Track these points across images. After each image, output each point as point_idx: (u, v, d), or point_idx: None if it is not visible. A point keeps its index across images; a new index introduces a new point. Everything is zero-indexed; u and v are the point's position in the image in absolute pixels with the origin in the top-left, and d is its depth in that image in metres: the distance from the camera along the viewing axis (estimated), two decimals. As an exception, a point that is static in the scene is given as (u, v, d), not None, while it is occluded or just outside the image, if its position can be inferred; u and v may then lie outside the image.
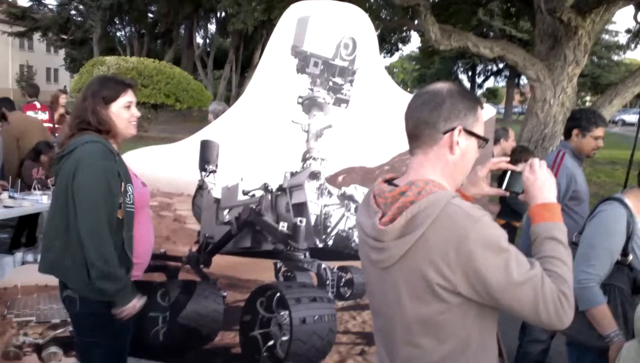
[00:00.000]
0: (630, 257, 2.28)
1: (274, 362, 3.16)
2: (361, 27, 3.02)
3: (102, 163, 2.17)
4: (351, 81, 3.03)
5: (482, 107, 1.44)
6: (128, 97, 2.34)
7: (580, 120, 3.32)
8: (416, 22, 10.46)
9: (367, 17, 3.04)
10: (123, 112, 2.32)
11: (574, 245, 2.47)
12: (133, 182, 2.35)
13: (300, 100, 3.05)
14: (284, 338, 3.13)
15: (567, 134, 3.42)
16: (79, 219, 2.14)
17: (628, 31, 21.09)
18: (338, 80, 3.03)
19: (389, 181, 1.46)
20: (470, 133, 1.40)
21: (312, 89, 3.04)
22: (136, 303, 2.31)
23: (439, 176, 1.39)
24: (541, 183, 1.46)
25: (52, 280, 3.18)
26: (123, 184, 2.23)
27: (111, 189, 2.18)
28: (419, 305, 1.34)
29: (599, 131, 3.30)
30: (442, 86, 1.41)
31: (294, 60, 3.04)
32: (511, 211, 4.55)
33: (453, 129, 1.37)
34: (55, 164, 2.28)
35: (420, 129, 1.39)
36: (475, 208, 1.30)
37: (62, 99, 7.54)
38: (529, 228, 1.48)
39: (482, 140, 1.43)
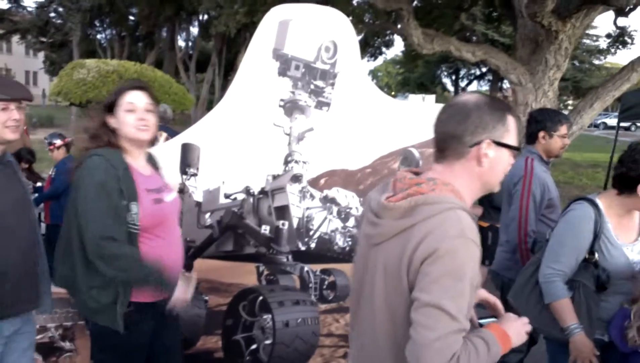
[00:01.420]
0: (597, 256, 2.35)
1: (257, 366, 3.15)
2: (342, 30, 3.03)
3: (98, 179, 2.08)
4: (332, 84, 3.03)
5: (513, 116, 1.43)
6: (129, 98, 2.21)
7: (544, 121, 3.22)
8: (399, 26, 10.52)
9: (348, 21, 3.06)
10: (125, 116, 2.20)
11: (547, 242, 2.53)
12: (142, 199, 2.19)
13: (281, 103, 3.05)
14: (267, 341, 3.12)
15: (532, 139, 3.27)
16: (82, 235, 2.08)
17: (608, 36, 21.43)
18: (319, 83, 3.03)
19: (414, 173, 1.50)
20: (500, 144, 1.39)
21: (293, 92, 3.04)
22: (182, 287, 2.23)
23: (462, 187, 1.39)
24: (516, 330, 1.46)
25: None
26: (125, 202, 2.12)
27: (110, 204, 2.08)
28: (391, 292, 1.37)
29: (564, 129, 3.23)
30: (468, 98, 1.41)
31: (275, 63, 3.03)
32: (493, 210, 4.58)
33: (480, 143, 1.37)
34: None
35: (447, 143, 1.40)
36: (473, 230, 1.31)
37: None
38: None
39: (515, 149, 1.43)
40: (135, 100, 2.21)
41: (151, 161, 2.45)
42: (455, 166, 1.40)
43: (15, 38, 36.29)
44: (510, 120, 1.41)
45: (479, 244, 1.32)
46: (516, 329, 1.45)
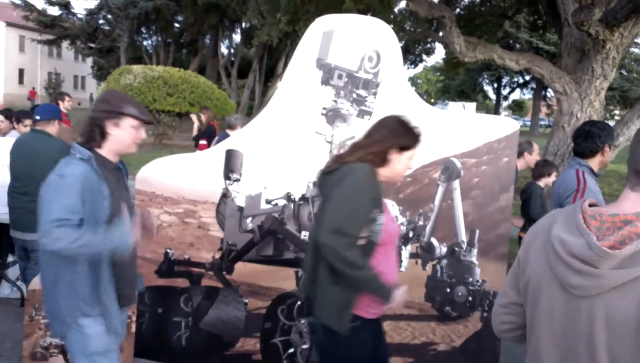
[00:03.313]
0: None
1: (294, 370, 3.19)
2: (385, 40, 3.06)
3: (363, 184, 2.21)
4: (375, 94, 3.06)
5: None
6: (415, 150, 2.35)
7: (608, 136, 3.16)
8: (441, 34, 10.47)
9: (391, 31, 3.08)
10: (407, 161, 2.33)
11: None
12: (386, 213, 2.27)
13: (324, 111, 3.10)
14: (305, 346, 3.16)
15: (590, 153, 3.17)
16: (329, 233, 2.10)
17: (657, 44, 20.77)
18: (362, 92, 3.06)
19: (592, 206, 1.36)
20: None
21: (336, 101, 3.09)
22: (399, 293, 2.18)
23: None
24: None
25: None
26: (374, 210, 2.18)
27: (366, 213, 2.15)
28: (617, 347, 1.22)
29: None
30: None
31: (318, 72, 3.09)
32: (531, 222, 4.52)
33: None
34: None
35: None
36: None
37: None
38: None
39: None
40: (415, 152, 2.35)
41: None
42: None
43: (65, 44, 37.67)
44: None
45: None
46: None
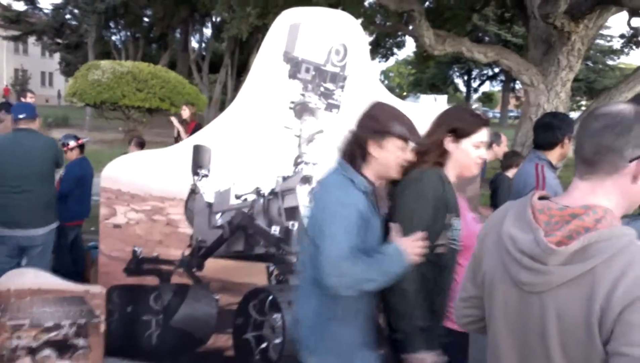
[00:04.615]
0: None
1: (266, 364, 3.19)
2: (352, 33, 3.06)
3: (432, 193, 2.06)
4: (342, 87, 3.06)
5: None
6: (480, 137, 2.17)
7: (568, 127, 3.13)
8: (411, 27, 10.52)
9: (358, 24, 3.09)
10: (471, 151, 2.16)
11: None
12: (465, 216, 2.17)
13: (292, 105, 3.09)
14: (277, 340, 3.16)
15: (552, 146, 3.14)
16: None
17: (622, 36, 21.26)
18: (329, 85, 3.06)
19: (543, 199, 1.35)
20: None
21: (303, 95, 3.08)
22: (427, 358, 2.01)
23: (612, 206, 1.25)
24: None
25: (45, 284, 3.21)
26: (448, 215, 2.07)
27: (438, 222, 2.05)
28: (569, 342, 1.21)
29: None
30: (625, 108, 1.27)
31: (285, 66, 3.07)
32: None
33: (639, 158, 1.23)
34: None
35: (601, 156, 1.25)
36: None
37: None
38: None
39: None
40: (484, 138, 2.19)
41: None
42: (607, 182, 1.26)
43: (32, 39, 36.75)
44: None
45: None
46: None
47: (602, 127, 1.25)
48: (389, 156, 2.00)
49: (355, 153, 2.02)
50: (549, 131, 3.15)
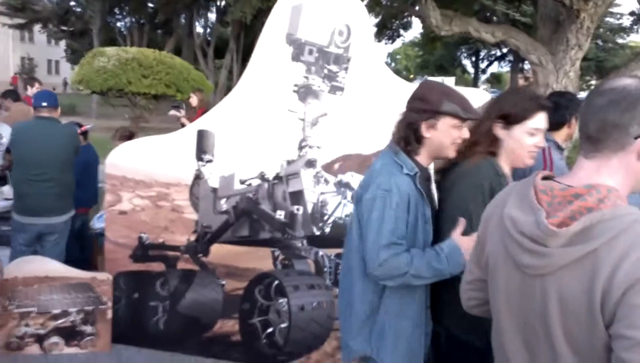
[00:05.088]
0: None
1: (273, 349, 3.19)
2: (355, 14, 3.00)
3: (485, 182, 1.98)
4: (346, 68, 3.01)
5: None
6: (536, 123, 2.05)
7: (573, 106, 3.06)
8: (417, 7, 10.38)
9: (361, 4, 3.03)
10: (525, 138, 2.05)
11: None
12: None
13: (295, 88, 3.04)
14: (283, 325, 3.15)
15: (560, 126, 3.06)
16: None
17: (632, 14, 20.88)
18: (333, 67, 3.01)
19: (547, 179, 1.32)
20: None
21: (307, 77, 3.03)
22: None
23: (617, 185, 1.22)
24: None
25: (52, 271, 3.22)
26: None
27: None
28: (571, 325, 1.19)
29: None
30: (631, 82, 1.23)
31: (288, 48, 3.03)
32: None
33: None
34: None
35: (606, 133, 1.21)
36: None
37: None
38: None
39: None
40: (540, 125, 2.07)
41: None
42: (612, 160, 1.22)
43: (37, 27, 36.72)
44: None
45: None
46: None
47: (607, 103, 1.21)
48: (443, 136, 1.95)
49: (408, 136, 1.97)
50: (556, 110, 3.05)
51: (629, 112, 1.19)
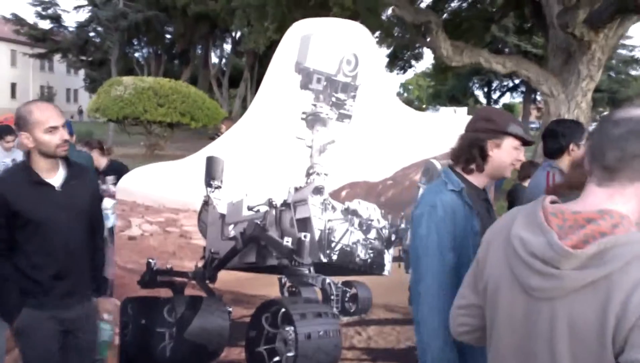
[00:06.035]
0: None
1: (280, 378, 3.15)
2: (363, 43, 3.05)
3: None
4: (354, 97, 3.05)
5: None
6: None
7: (572, 134, 3.13)
8: (428, 39, 10.50)
9: (369, 33, 3.08)
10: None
11: None
12: None
13: (303, 116, 3.08)
14: (290, 354, 3.12)
15: (557, 153, 3.14)
16: None
17: (644, 45, 20.88)
18: (341, 96, 3.05)
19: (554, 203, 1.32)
20: None
21: (315, 105, 3.07)
22: None
23: (629, 212, 1.22)
24: None
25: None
26: None
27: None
28: (579, 352, 1.16)
29: (585, 137, 3.13)
30: None
31: (297, 76, 3.08)
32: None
33: None
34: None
35: (626, 163, 1.21)
36: None
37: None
38: None
39: None
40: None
41: None
42: (627, 189, 1.22)
43: (57, 57, 37.63)
44: None
45: None
46: None
47: (625, 133, 1.21)
48: (506, 156, 2.08)
49: (474, 154, 2.06)
50: (553, 138, 3.15)
51: None
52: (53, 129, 2.47)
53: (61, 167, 2.65)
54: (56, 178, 2.61)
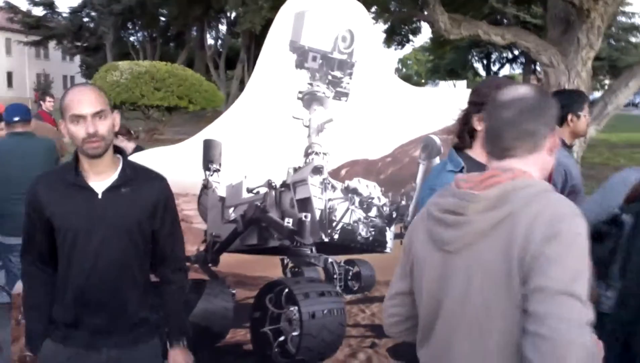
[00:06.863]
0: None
1: (286, 357, 3.17)
2: (358, 19, 3.01)
3: None
4: (350, 74, 3.02)
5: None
6: None
7: (571, 103, 3.07)
8: (425, 12, 10.37)
9: (364, 9, 3.04)
10: None
11: None
12: None
13: (300, 95, 3.05)
14: (295, 333, 3.14)
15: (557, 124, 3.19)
16: None
17: (645, 12, 20.63)
18: (337, 73, 3.02)
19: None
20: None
21: (311, 84, 3.04)
22: None
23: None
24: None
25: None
26: None
27: None
28: (493, 293, 1.22)
29: (587, 107, 3.12)
30: (526, 91, 1.36)
31: (292, 55, 3.04)
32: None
33: (552, 133, 1.35)
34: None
35: (522, 140, 1.32)
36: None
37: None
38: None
39: None
40: None
41: None
42: (528, 160, 1.33)
43: (52, 44, 37.35)
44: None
45: None
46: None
47: (518, 113, 1.32)
48: None
49: (462, 131, 2.03)
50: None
51: (542, 117, 1.33)
52: (78, 118, 1.89)
53: (119, 169, 2.04)
54: (104, 182, 2.00)
